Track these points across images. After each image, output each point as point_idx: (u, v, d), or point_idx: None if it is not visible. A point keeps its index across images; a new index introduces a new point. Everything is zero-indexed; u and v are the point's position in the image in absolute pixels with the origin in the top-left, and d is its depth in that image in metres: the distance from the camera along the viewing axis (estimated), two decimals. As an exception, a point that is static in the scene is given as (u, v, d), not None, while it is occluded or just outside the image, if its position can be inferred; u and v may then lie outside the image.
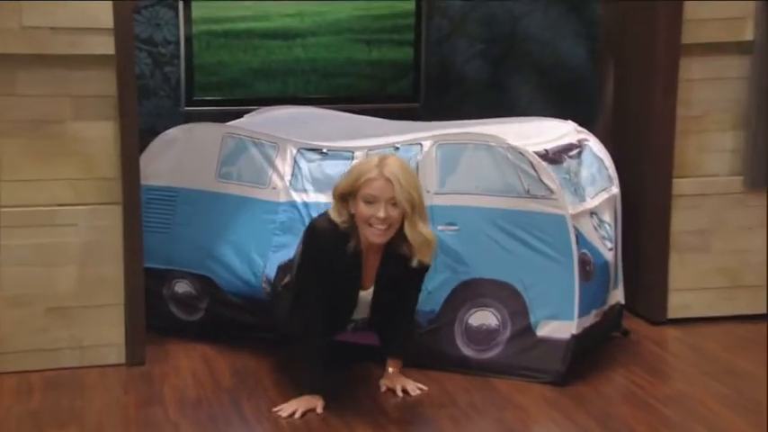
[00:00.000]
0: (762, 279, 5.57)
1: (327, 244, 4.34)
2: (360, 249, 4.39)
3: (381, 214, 4.25)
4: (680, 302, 5.52)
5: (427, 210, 4.44)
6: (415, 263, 4.39)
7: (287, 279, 4.64)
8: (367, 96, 6.57)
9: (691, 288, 5.52)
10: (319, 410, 4.38)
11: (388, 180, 4.25)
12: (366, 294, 4.51)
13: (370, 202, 4.26)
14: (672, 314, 5.52)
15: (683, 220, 5.46)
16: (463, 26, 6.69)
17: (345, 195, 4.32)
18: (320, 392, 4.42)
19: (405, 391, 4.59)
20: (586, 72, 6.82)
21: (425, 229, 4.35)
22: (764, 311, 5.58)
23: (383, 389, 4.61)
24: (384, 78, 6.60)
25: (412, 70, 6.65)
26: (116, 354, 4.91)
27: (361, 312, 4.57)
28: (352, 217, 4.33)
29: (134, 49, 4.96)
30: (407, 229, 4.31)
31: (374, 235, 4.31)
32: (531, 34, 6.79)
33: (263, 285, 4.96)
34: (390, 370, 4.63)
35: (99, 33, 4.68)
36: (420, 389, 4.61)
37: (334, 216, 4.35)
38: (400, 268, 4.43)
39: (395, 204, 4.27)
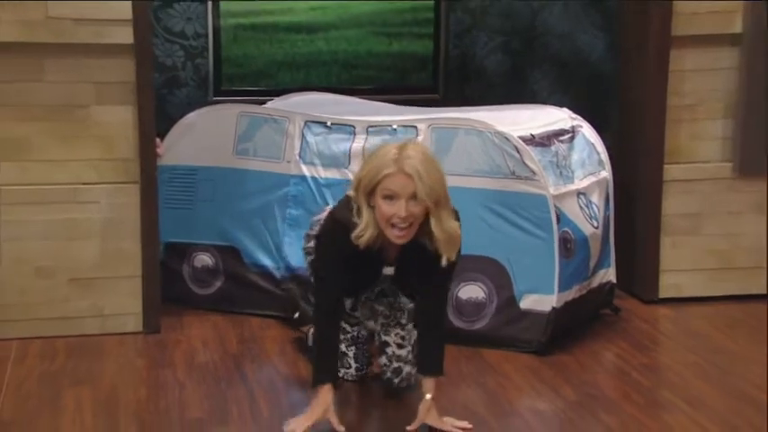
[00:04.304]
0: (752, 261, 6.00)
1: (348, 241, 4.29)
2: (380, 243, 4.36)
3: (402, 213, 4.16)
4: (671, 283, 5.97)
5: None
6: (444, 262, 4.30)
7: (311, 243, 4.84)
8: (387, 87, 6.97)
9: (682, 269, 5.97)
10: (335, 423, 4.33)
11: (409, 175, 4.14)
12: (390, 269, 4.59)
13: (389, 197, 4.18)
14: (663, 294, 5.98)
15: (674, 204, 5.91)
16: (483, 19, 7.07)
17: (367, 190, 4.24)
18: (328, 382, 4.36)
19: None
20: (606, 65, 7.18)
21: (452, 224, 4.27)
22: (754, 292, 6.00)
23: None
24: (404, 70, 7.05)
25: (431, 62, 7.08)
26: (134, 322, 5.48)
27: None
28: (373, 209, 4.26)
29: (152, 38, 5.47)
30: (434, 226, 4.22)
31: (395, 237, 4.23)
32: (550, 27, 7.15)
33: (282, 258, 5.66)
34: (428, 397, 4.45)
35: (119, 24, 5.18)
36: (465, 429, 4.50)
37: (355, 218, 4.29)
38: (419, 253, 4.36)
39: (417, 199, 4.17)
